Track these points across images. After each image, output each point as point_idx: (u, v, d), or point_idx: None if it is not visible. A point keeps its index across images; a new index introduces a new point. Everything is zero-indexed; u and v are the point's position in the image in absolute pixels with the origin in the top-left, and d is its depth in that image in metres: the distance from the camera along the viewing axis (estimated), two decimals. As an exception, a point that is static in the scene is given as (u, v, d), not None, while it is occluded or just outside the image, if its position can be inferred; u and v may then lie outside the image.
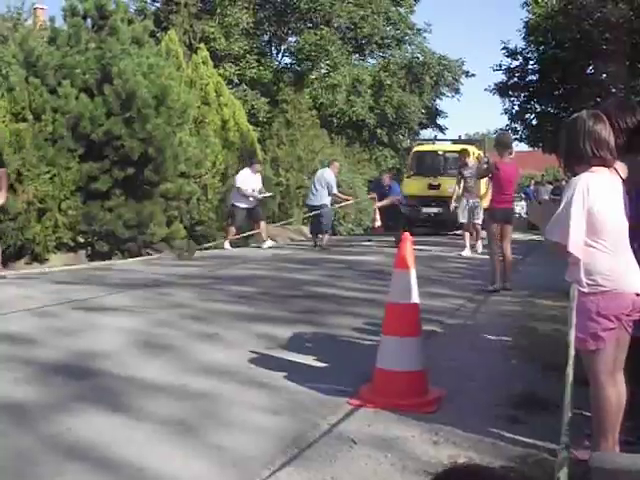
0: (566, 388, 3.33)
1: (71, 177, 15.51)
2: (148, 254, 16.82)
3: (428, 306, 8.12)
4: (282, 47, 40.09)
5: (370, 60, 42.58)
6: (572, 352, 3.64)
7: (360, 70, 39.19)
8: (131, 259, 15.70)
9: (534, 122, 38.93)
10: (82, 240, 15.83)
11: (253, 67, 35.88)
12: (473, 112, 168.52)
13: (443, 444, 4.74)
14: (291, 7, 37.55)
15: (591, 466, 4.17)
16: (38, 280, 11.97)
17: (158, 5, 36.36)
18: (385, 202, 20.38)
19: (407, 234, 5.97)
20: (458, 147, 24.15)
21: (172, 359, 6.77)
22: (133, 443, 4.70)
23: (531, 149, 44.45)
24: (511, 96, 39.41)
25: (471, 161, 18.94)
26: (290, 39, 39.69)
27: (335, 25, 38.33)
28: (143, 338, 7.59)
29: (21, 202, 14.28)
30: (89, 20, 17.52)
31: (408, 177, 27.73)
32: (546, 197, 31.35)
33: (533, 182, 39.94)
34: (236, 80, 34.65)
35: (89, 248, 16.10)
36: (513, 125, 38.79)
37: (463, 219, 18.21)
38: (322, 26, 37.11)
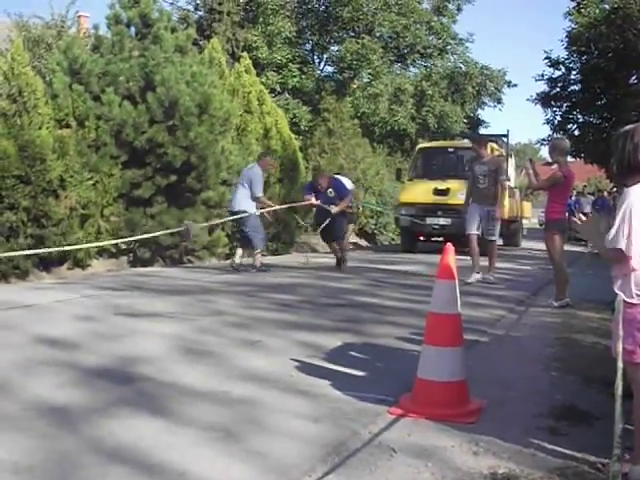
0: (616, 400, 3.31)
1: (114, 184, 15.64)
2: (189, 261, 16.92)
3: (469, 316, 8.08)
4: (324, 56, 40.17)
5: (412, 69, 42.61)
6: (620, 364, 3.62)
7: (402, 79, 39.16)
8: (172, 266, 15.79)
9: (576, 132, 38.57)
10: (124, 246, 15.95)
11: (295, 76, 35.95)
12: (515, 122, 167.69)
13: (483, 454, 4.72)
14: (333, 16, 37.63)
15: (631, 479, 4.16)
16: (80, 286, 12.06)
17: (201, 14, 36.52)
18: (339, 208, 15.73)
19: (449, 245, 5.96)
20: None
21: (214, 365, 6.79)
22: (175, 448, 4.71)
23: (573, 159, 44.21)
24: (553, 106, 39.16)
25: (487, 154, 14.96)
26: (332, 48, 39.78)
27: (377, 34, 38.39)
28: (185, 344, 7.63)
29: (64, 208, 14.38)
30: (133, 28, 17.67)
31: (410, 180, 23.79)
32: (588, 208, 30.77)
33: (575, 193, 39.69)
34: (278, 89, 34.75)
35: (131, 255, 16.21)
36: (555, 135, 38.41)
37: (472, 230, 14.10)
38: (364, 35, 37.14)
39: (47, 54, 25.36)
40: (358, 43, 36.35)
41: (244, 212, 15.01)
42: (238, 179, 15.85)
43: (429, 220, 21.70)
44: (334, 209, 15.67)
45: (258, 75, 24.37)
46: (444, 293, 5.67)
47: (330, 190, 15.88)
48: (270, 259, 18.04)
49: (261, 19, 35.83)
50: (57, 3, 42.61)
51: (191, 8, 37.29)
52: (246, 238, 15.28)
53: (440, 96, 39.19)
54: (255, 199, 15.11)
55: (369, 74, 37.48)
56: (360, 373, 6.65)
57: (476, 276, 13.70)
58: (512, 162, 27.53)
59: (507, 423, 5.31)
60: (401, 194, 23.78)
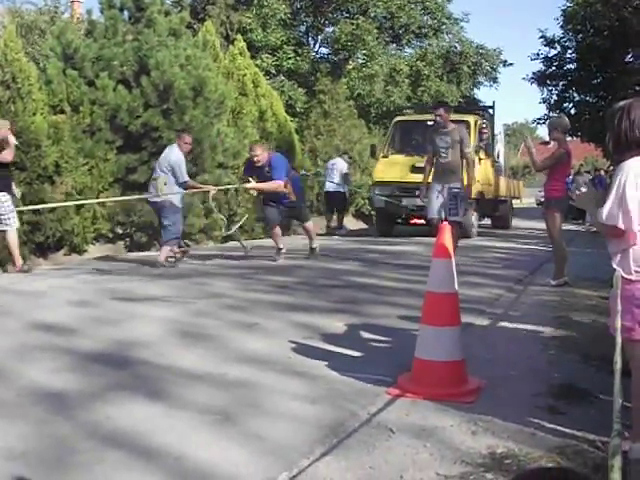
0: (615, 375, 3.28)
1: (109, 169, 15.63)
2: (186, 245, 16.88)
3: (467, 296, 8.08)
4: (319, 37, 40.02)
5: (407, 50, 42.51)
6: (619, 339, 3.58)
7: (397, 60, 39.10)
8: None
9: (572, 111, 38.55)
10: (120, 231, 15.94)
11: (290, 58, 35.82)
12: (511, 101, 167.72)
13: (482, 434, 4.70)
14: (328, -4, 37.54)
15: (630, 457, 4.13)
16: (77, 271, 12.06)
17: (195, -4, 36.41)
18: (265, 186, 13.44)
19: (445, 224, 5.93)
20: (458, 116, 18.97)
21: (211, 348, 6.78)
22: (172, 431, 4.70)
23: (569, 138, 44.18)
24: (549, 85, 39.25)
25: (450, 123, 12.72)
26: (327, 29, 39.63)
27: (372, 15, 38.19)
28: (182, 328, 7.62)
29: (60, 194, 14.36)
30: (126, 12, 17.65)
31: (384, 157, 21.43)
32: (584, 188, 30.15)
33: (572, 172, 39.61)
34: (273, 71, 34.62)
35: (127, 239, 16.20)
36: (551, 114, 38.38)
37: (433, 214, 12.60)
38: (359, 16, 37.00)
39: (40, 40, 25.35)
40: (353, 24, 36.22)
41: (168, 203, 12.85)
42: (155, 164, 13.58)
43: (406, 201, 19.36)
44: (249, 185, 13.55)
45: (253, 58, 24.34)
46: (441, 272, 5.66)
47: (267, 169, 13.30)
48: (264, 241, 18.02)
49: (255, 1, 35.70)
50: (50, -12, 42.53)
51: (186, -8, 37.22)
52: (165, 230, 13.05)
53: (436, 76, 39.13)
54: (181, 185, 13.05)
55: (364, 55, 37.38)
56: (358, 354, 6.64)
57: None
58: (501, 138, 26.73)
59: (506, 402, 5.30)
60: (375, 172, 21.60)
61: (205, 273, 11.76)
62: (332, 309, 8.71)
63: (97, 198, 15.26)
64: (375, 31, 37.03)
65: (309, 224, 14.38)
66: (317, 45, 40.09)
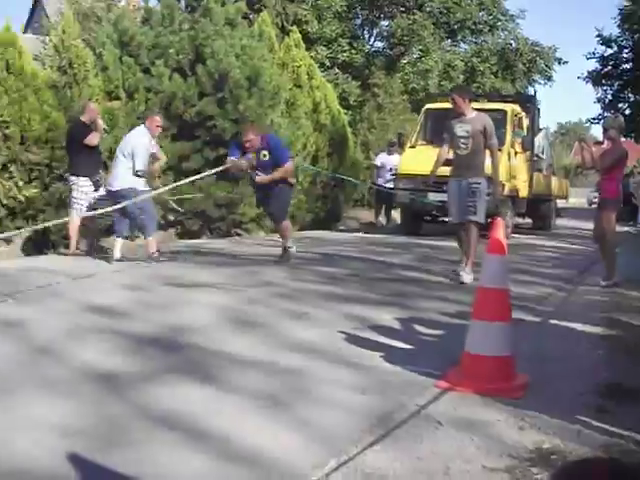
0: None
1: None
2: (237, 234, 17.00)
3: (517, 293, 8.05)
4: (374, 31, 39.91)
5: (462, 45, 42.24)
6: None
7: (452, 55, 38.91)
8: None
9: (627, 112, 38.11)
10: (172, 218, 16.05)
11: (345, 50, 35.77)
12: (565, 100, 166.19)
13: (528, 430, 4.71)
14: (385, -8, 37.44)
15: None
16: (127, 256, 12.17)
17: (251, -14, 36.50)
18: (279, 174, 11.68)
19: (499, 219, 5.95)
20: (492, 104, 19.02)
21: (262, 336, 6.85)
22: (222, 415, 4.77)
23: (623, 139, 43.65)
24: (604, 85, 38.86)
25: (471, 110, 10.98)
26: (383, 23, 39.51)
27: (428, 10, 38.03)
28: (233, 315, 7.70)
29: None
30: (183, 1, 17.72)
31: (412, 147, 19.45)
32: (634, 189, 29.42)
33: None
34: (328, 63, 34.59)
35: (179, 227, 16.32)
36: (606, 114, 37.99)
37: (455, 216, 11.02)
38: (415, 10, 36.87)
39: (97, 27, 25.55)
40: (409, 19, 36.12)
41: (129, 190, 11.43)
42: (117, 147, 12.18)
43: (432, 196, 16.77)
44: (259, 178, 11.77)
45: (308, 49, 24.31)
46: (493, 267, 5.68)
47: (264, 152, 11.61)
48: (317, 233, 18.08)
49: (312, -7, 35.76)
50: (109, -24, 42.78)
51: (241, -19, 37.29)
52: (134, 222, 11.86)
53: (490, 72, 38.89)
54: (139, 172, 11.60)
55: (419, 50, 37.26)
56: (407, 346, 6.67)
57: (467, 277, 10.39)
58: (546, 133, 25.29)
59: (553, 399, 5.29)
60: (401, 164, 19.32)
61: (256, 262, 11.84)
62: (382, 301, 8.73)
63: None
64: (431, 26, 36.89)
65: (285, 224, 12.16)
66: (372, 39, 40.00)
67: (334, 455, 4.20)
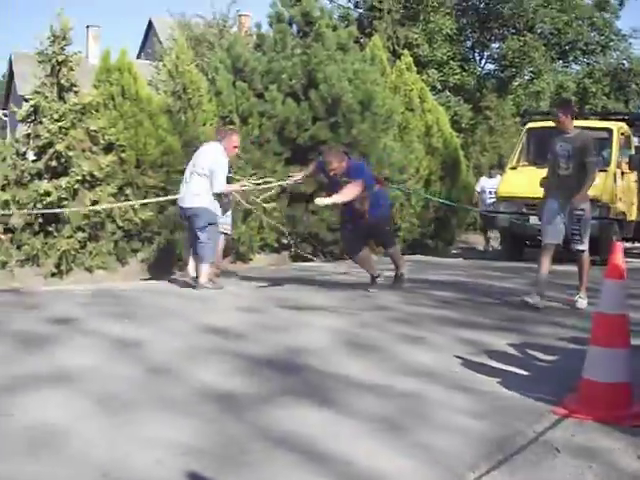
0: None
1: (277, 180, 15.84)
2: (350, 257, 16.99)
3: (634, 319, 7.88)
4: (485, 53, 39.84)
5: (574, 66, 41.84)
6: None
7: (564, 77, 38.59)
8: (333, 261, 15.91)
9: None
10: (285, 241, 16.16)
11: (456, 73, 35.78)
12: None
13: (647, 458, 4.60)
14: (494, 13, 37.30)
15: None
16: (243, 278, 12.28)
17: (361, 11, 36.73)
18: (341, 197, 10.57)
19: (619, 243, 5.82)
20: (598, 123, 18.13)
21: (378, 359, 6.81)
22: (339, 438, 4.75)
23: None
24: None
25: (572, 127, 10.22)
26: (493, 45, 39.40)
27: (538, 31, 37.81)
28: (348, 338, 7.68)
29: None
30: (294, 26, 17.87)
31: (513, 168, 18.61)
32: None
33: None
34: (439, 86, 34.63)
35: (292, 249, 16.41)
36: None
37: (548, 237, 10.16)
38: (525, 32, 36.67)
39: (209, 52, 25.98)
40: (520, 40, 35.95)
41: (203, 210, 10.93)
42: (189, 164, 11.51)
43: (533, 220, 15.26)
44: (321, 200, 10.80)
45: (419, 73, 24.29)
46: (612, 293, 5.55)
47: (345, 179, 10.66)
48: (424, 257, 17.98)
49: (421, 17, 35.81)
50: (218, 2, 43.73)
51: (351, 6, 37.57)
52: (197, 246, 11.08)
53: (603, 93, 38.46)
54: (218, 193, 11.09)
55: (531, 72, 37.02)
56: (523, 372, 6.55)
57: (537, 298, 9.90)
58: None
59: (674, 428, 5.15)
60: (501, 186, 18.66)
61: (369, 285, 11.79)
62: (497, 326, 8.61)
63: (264, 209, 15.50)
64: (542, 48, 36.62)
65: (393, 249, 11.71)
66: (483, 61, 39.90)
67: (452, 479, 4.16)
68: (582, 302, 10.00)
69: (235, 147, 11.43)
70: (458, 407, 5.44)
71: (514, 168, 18.50)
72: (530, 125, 19.50)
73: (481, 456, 4.52)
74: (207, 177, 10.90)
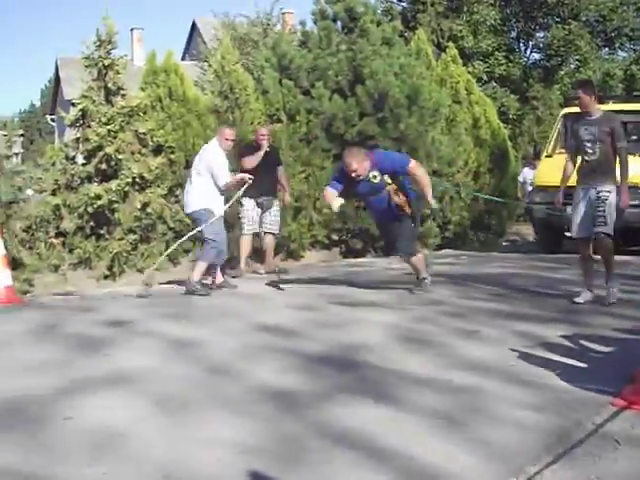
0: None
1: (326, 176, 15.79)
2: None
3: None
4: (530, 43, 39.49)
5: (620, 53, 41.36)
6: None
7: (610, 64, 38.13)
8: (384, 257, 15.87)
9: None
10: (336, 238, 16.16)
11: (502, 64, 35.49)
12: None
13: None
14: (538, 2, 36.95)
15: None
16: (295, 276, 12.30)
17: (405, 5, 36.62)
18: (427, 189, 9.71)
19: None
20: (632, 105, 16.76)
21: (433, 354, 6.79)
22: (399, 434, 4.75)
23: None
24: None
25: (598, 108, 9.53)
26: (538, 34, 39.07)
27: (583, 19, 37.42)
28: (403, 333, 7.67)
29: (277, 200, 14.71)
30: (339, 23, 17.84)
31: (548, 156, 17.49)
32: None
33: None
34: (485, 78, 34.40)
35: (343, 246, 16.41)
36: None
37: (579, 231, 9.52)
38: (570, 20, 36.31)
39: (254, 51, 26.03)
40: (565, 29, 35.62)
41: (204, 212, 10.63)
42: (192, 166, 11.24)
43: (570, 210, 13.00)
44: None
45: (464, 65, 24.13)
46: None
47: (374, 174, 9.72)
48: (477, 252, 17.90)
49: (465, 8, 35.60)
50: (262, 1, 43.80)
51: (394, 0, 37.46)
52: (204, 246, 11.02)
53: (651, 80, 38.00)
54: (221, 190, 10.82)
55: (577, 60, 36.67)
56: (580, 364, 6.50)
57: (587, 295, 9.54)
58: None
59: None
60: (537, 175, 17.90)
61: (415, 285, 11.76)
62: (551, 318, 8.53)
63: (314, 206, 15.55)
64: (587, 35, 36.28)
65: (413, 260, 10.45)
66: (528, 51, 39.58)
67: (513, 474, 4.17)
68: (613, 294, 9.40)
69: (227, 139, 10.84)
70: (516, 400, 5.43)
71: (550, 156, 17.40)
72: (566, 110, 18.02)
73: (541, 449, 4.51)
74: (204, 177, 10.67)
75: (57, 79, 51.87)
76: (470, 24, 34.90)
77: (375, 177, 9.71)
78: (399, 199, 9.94)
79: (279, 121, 15.95)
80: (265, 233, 12.76)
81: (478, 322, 8.23)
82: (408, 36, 25.54)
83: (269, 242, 13.03)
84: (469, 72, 24.48)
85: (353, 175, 9.64)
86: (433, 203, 10.03)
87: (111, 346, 7.20)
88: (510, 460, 4.36)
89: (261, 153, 12.31)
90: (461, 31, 34.22)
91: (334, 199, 9.84)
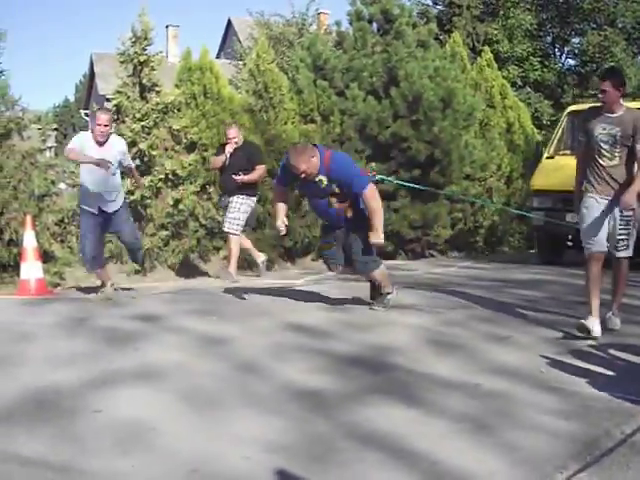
0: None
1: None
2: (431, 255, 16.95)
3: None
4: (565, 49, 39.40)
5: (656, 60, 41.20)
6: None
7: (646, 71, 37.98)
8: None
9: None
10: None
11: (537, 69, 35.46)
12: None
13: None
14: (574, 7, 36.87)
15: None
16: (325, 276, 12.30)
17: (440, 8, 36.61)
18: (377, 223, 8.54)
19: None
20: None
21: (464, 358, 6.77)
22: (427, 436, 4.73)
23: None
24: None
25: (620, 105, 7.79)
26: (574, 40, 38.97)
27: (619, 25, 37.28)
28: (433, 336, 7.65)
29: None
30: (374, 24, 17.83)
31: (549, 157, 15.87)
32: None
33: None
34: (519, 82, 34.33)
35: (374, 247, 16.42)
36: None
37: (594, 245, 7.84)
38: (606, 26, 36.19)
39: (289, 51, 26.08)
40: (600, 35, 35.50)
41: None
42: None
43: (570, 217, 12.98)
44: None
45: (499, 69, 24.09)
46: None
47: (321, 178, 8.52)
48: (511, 256, 17.81)
49: (501, 12, 35.56)
50: (297, 1, 43.85)
51: (430, 3, 37.46)
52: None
53: (685, 87, 37.77)
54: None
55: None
56: (610, 372, 6.46)
57: (595, 324, 7.82)
58: None
59: None
60: (534, 177, 15.94)
61: (453, 283, 11.72)
62: (583, 326, 8.50)
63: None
64: (623, 42, 36.12)
65: (374, 274, 9.19)
66: (563, 56, 39.48)
67: (540, 480, 4.11)
68: (616, 321, 8.36)
69: (99, 125, 9.61)
70: (545, 407, 5.39)
71: (551, 157, 15.79)
72: (572, 108, 16.89)
73: (569, 456, 4.48)
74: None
75: (91, 74, 52.22)
76: (505, 28, 34.87)
77: (322, 181, 8.52)
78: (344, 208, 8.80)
79: (313, 121, 15.97)
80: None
81: (509, 327, 8.19)
82: (443, 39, 25.53)
83: (228, 244, 11.69)
84: (504, 76, 24.42)
85: (302, 176, 8.54)
86: (378, 240, 8.60)
87: (141, 340, 7.24)
88: (538, 466, 4.32)
89: (222, 157, 11.55)
90: (496, 35, 34.21)
91: (282, 212, 9.06)
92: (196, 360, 6.56)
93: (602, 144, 7.75)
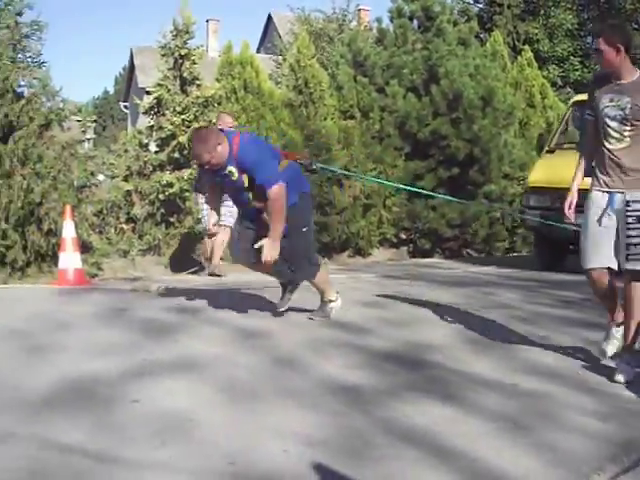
0: None
1: (397, 175, 15.84)
2: (468, 254, 16.90)
3: None
4: (607, 49, 39.09)
5: (694, 61, 40.85)
6: None
7: (689, 72, 37.66)
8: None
9: None
10: (404, 237, 16.16)
11: (577, 69, 35.20)
12: None
13: None
14: (616, 7, 36.56)
15: None
16: (363, 273, 12.31)
17: (481, 6, 36.47)
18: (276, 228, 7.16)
19: None
20: None
21: (501, 357, 6.74)
22: (465, 435, 4.71)
23: None
24: None
25: (633, 72, 5.74)
26: (615, 40, 38.66)
27: (660, 26, 37.02)
28: (471, 335, 7.63)
29: (348, 197, 14.74)
30: (415, 21, 17.83)
31: (550, 151, 14.29)
32: None
33: None
34: (560, 82, 34.12)
35: (411, 245, 16.40)
36: None
37: (592, 259, 6.12)
38: (648, 27, 35.96)
39: (329, 47, 26.10)
40: (642, 36, 35.26)
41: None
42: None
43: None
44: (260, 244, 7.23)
45: (539, 68, 23.98)
46: None
47: (231, 169, 7.15)
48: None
49: (542, 11, 35.35)
50: (338, -3, 43.83)
51: (471, 1, 37.32)
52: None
53: None
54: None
55: (652, 67, 36.24)
56: (649, 375, 6.43)
57: (609, 347, 6.62)
58: None
59: None
60: (531, 173, 14.41)
61: (490, 283, 11.70)
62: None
63: (384, 204, 15.56)
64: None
65: (317, 278, 8.21)
66: (605, 57, 39.18)
67: (577, 481, 4.10)
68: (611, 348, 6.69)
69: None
70: (582, 408, 5.35)
71: (551, 151, 14.20)
72: (576, 98, 15.00)
73: (606, 458, 4.43)
74: None
75: (131, 67, 52.42)
76: (546, 28, 34.67)
77: (232, 173, 7.17)
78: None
79: (352, 117, 15.99)
80: None
81: (546, 328, 8.14)
82: (484, 37, 25.44)
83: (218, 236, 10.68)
84: (544, 76, 24.32)
85: (206, 167, 7.24)
86: (271, 252, 7.19)
87: (180, 332, 7.29)
88: (575, 467, 4.29)
89: None
90: (537, 34, 34.00)
91: (213, 215, 8.20)
92: (235, 353, 6.60)
93: (608, 120, 5.85)
